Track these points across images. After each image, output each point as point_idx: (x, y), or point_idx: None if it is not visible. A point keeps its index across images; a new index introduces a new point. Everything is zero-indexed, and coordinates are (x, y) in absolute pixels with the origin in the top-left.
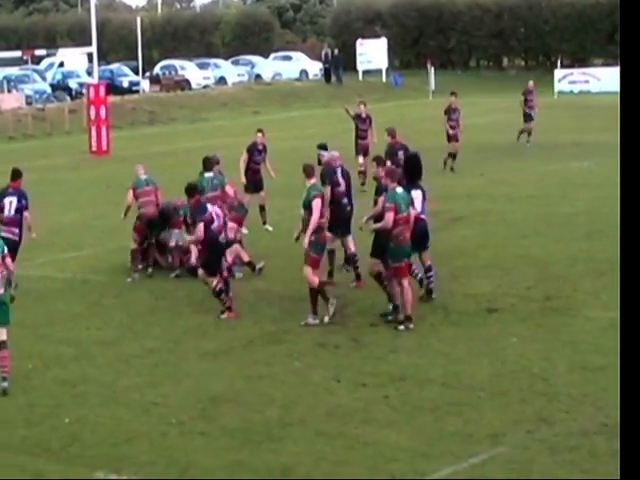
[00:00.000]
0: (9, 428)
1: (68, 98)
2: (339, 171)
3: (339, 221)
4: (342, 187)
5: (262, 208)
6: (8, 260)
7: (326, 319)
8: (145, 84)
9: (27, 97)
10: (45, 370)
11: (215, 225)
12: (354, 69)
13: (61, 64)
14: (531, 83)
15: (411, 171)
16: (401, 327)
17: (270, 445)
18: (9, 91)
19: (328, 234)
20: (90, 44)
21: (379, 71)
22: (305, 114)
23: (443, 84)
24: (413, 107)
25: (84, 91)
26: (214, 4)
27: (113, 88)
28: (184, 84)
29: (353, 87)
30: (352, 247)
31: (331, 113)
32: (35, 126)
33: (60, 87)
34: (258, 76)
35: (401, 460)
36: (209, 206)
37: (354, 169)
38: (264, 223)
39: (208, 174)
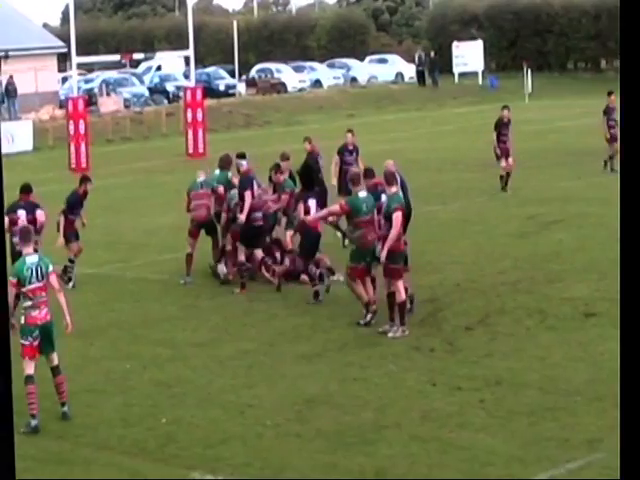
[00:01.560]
0: (106, 428)
1: (165, 101)
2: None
3: (248, 233)
4: (256, 200)
5: None
6: (52, 278)
7: (361, 322)
8: (241, 87)
9: (125, 100)
10: (142, 371)
11: None
12: (450, 72)
13: (159, 67)
14: None
15: (306, 180)
16: (368, 316)
17: (364, 448)
18: (108, 94)
19: (241, 247)
20: (187, 48)
21: (475, 74)
22: (400, 117)
23: (540, 87)
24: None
25: (181, 94)
26: (310, 7)
27: (210, 91)
28: (280, 87)
29: (448, 90)
30: (258, 257)
31: (425, 116)
32: (133, 129)
33: (158, 90)
34: (354, 79)
35: (496, 465)
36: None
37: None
38: None
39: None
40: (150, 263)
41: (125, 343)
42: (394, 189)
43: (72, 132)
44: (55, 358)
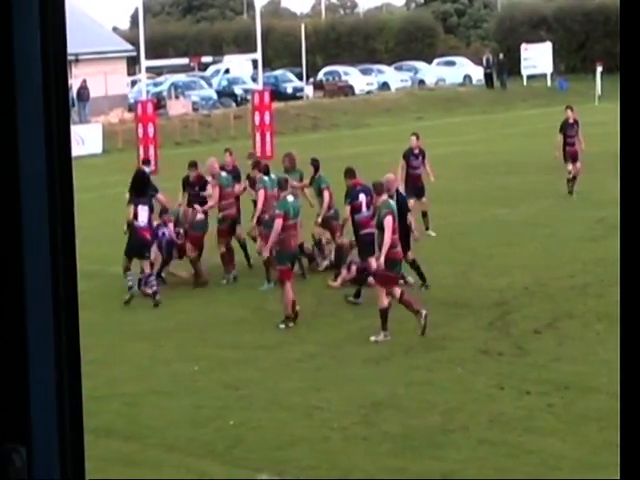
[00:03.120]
0: (175, 429)
1: (233, 104)
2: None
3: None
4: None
5: (424, 214)
6: None
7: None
8: (309, 90)
9: (194, 103)
10: (210, 373)
11: None
12: (518, 74)
13: (227, 71)
14: None
15: (137, 187)
16: (281, 325)
17: (432, 452)
18: (176, 97)
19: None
20: (255, 51)
21: (544, 76)
22: (468, 120)
23: (610, 89)
24: (579, 112)
25: (249, 97)
26: (377, 10)
27: (277, 94)
28: (347, 90)
29: (517, 92)
30: (147, 270)
31: (494, 118)
32: (201, 132)
33: (226, 93)
34: (421, 81)
35: (565, 469)
36: None
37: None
38: (427, 229)
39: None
40: (219, 265)
41: (193, 345)
42: (384, 197)
43: (141, 135)
44: None
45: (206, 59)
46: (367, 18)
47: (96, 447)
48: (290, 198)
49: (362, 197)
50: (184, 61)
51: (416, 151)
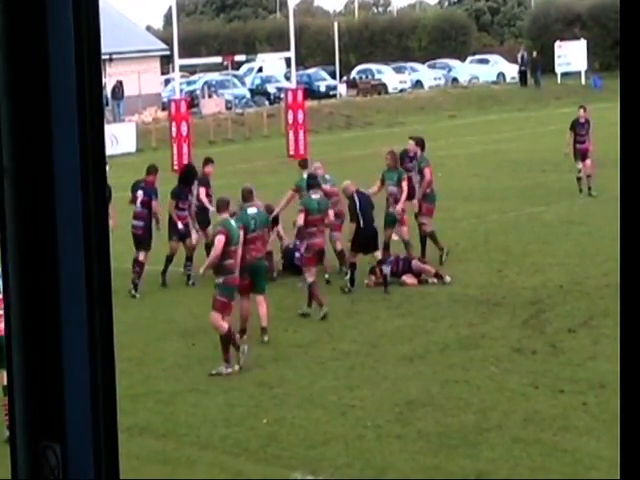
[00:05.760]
0: (209, 428)
1: (267, 103)
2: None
3: None
4: None
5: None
6: None
7: (237, 367)
8: (342, 88)
9: (227, 102)
10: (244, 371)
11: None
12: (552, 71)
13: (260, 69)
14: None
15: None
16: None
17: (466, 450)
18: (210, 96)
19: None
20: (288, 49)
21: (578, 73)
22: (502, 117)
23: None
24: (613, 110)
25: (282, 96)
26: (411, 8)
27: (310, 92)
28: (381, 88)
29: (551, 90)
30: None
31: (528, 116)
32: (234, 130)
33: (259, 92)
34: (455, 79)
35: (601, 469)
36: None
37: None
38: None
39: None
40: None
41: None
42: (225, 215)
43: (175, 134)
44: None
45: (239, 58)
46: (400, 16)
47: (131, 445)
48: (252, 210)
49: (139, 193)
50: (217, 60)
51: (411, 154)
